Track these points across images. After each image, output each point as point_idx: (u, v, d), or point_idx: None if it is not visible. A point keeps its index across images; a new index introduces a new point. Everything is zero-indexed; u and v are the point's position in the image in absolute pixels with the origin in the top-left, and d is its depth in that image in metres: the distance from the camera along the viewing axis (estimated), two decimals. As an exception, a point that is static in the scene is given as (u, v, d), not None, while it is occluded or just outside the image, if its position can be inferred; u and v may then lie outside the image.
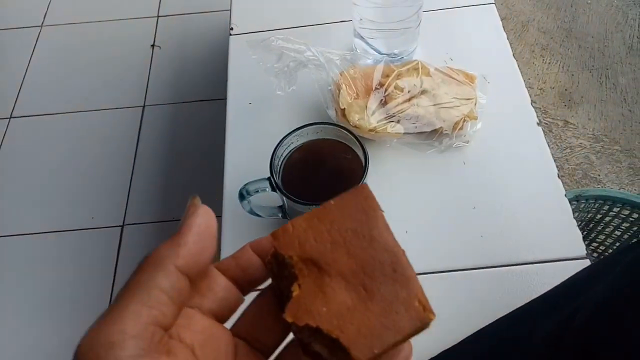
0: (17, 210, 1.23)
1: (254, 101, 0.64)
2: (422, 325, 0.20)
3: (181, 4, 1.61)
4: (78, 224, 1.19)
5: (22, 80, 1.47)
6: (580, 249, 0.50)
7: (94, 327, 0.19)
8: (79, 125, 1.37)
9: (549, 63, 1.47)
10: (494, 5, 0.71)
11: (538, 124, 0.59)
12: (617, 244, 0.89)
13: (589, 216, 0.89)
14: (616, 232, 0.89)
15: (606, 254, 0.91)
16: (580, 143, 1.31)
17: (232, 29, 0.72)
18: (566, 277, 0.48)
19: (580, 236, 0.50)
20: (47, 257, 1.16)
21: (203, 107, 1.38)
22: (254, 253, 0.23)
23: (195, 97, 1.40)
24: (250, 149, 0.61)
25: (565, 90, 1.41)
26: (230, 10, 0.74)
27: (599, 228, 0.90)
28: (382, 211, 0.23)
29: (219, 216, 0.56)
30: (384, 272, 0.21)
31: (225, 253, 0.53)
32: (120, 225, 1.19)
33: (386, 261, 0.21)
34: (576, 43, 1.51)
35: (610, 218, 0.88)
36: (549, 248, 0.50)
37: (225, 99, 0.66)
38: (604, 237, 0.91)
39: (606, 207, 0.87)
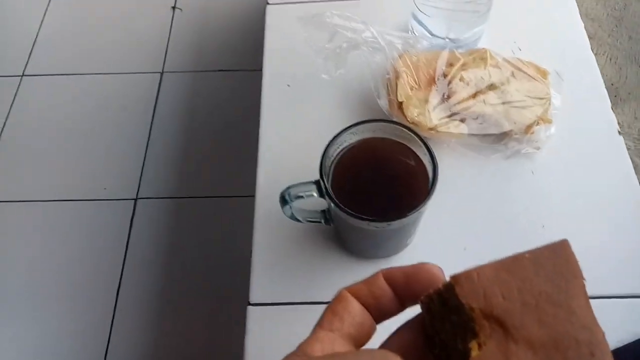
0: (24, 175, 1.18)
1: (293, 83, 0.57)
2: None
3: (206, -37, 1.51)
4: (89, 194, 1.14)
5: (36, 37, 1.39)
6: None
7: None
8: (93, 88, 1.30)
9: (596, 54, 1.36)
10: (569, -11, 0.62)
11: (619, 132, 0.51)
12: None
13: None
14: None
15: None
16: (625, 144, 1.22)
17: (270, -3, 0.64)
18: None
19: (669, 269, 0.44)
20: (55, 227, 1.11)
21: (226, 77, 1.30)
22: (386, 282, 0.22)
23: (218, 67, 1.32)
24: (287, 137, 0.54)
25: (612, 85, 1.32)
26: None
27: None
28: (584, 279, 0.20)
29: (247, 196, 0.49)
30: (579, 354, 0.18)
31: (257, 253, 0.47)
32: (133, 199, 1.14)
33: (584, 341, 0.18)
34: (626, 33, 1.41)
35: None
36: (628, 281, 0.44)
37: (251, 70, 0.59)
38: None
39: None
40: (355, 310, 0.21)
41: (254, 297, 0.45)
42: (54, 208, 1.13)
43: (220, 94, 1.28)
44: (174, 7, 1.43)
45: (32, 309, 1.02)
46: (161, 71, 1.32)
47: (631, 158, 1.29)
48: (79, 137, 1.22)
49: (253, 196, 0.50)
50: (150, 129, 1.23)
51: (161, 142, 1.21)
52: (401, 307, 0.22)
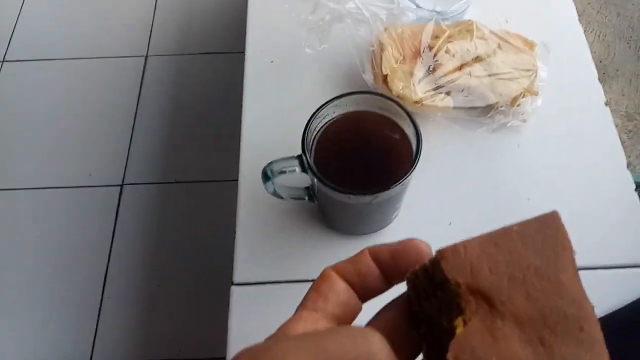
0: (6, 163, 1.16)
1: (276, 59, 0.56)
2: None
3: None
4: (74, 181, 1.12)
5: (16, 22, 1.36)
6: (654, 254, 0.43)
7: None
8: (76, 73, 1.28)
9: (584, 31, 1.35)
10: (556, -41, 0.61)
11: (606, 103, 0.51)
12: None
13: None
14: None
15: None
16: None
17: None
18: (635, 287, 0.42)
19: (654, 239, 0.44)
20: (40, 215, 1.09)
21: (212, 60, 1.28)
22: (372, 260, 0.21)
23: (204, 49, 1.29)
24: (271, 114, 0.52)
25: (600, 62, 1.32)
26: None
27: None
28: (574, 251, 0.19)
29: (233, 180, 0.49)
30: (567, 328, 0.18)
31: (241, 233, 0.46)
32: (119, 185, 1.12)
33: (573, 315, 0.18)
34: (615, 10, 1.40)
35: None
36: (614, 252, 0.44)
37: (238, 52, 0.58)
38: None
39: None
40: (340, 289, 0.20)
41: (237, 277, 0.44)
42: (38, 196, 1.11)
43: (206, 77, 1.26)
44: (157, -11, 1.40)
45: (17, 296, 1.01)
46: (145, 54, 1.30)
47: (618, 135, 1.29)
48: (62, 123, 1.20)
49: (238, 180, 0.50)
50: (136, 114, 1.21)
51: (146, 127, 1.19)
52: (388, 284, 0.21)
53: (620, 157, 0.48)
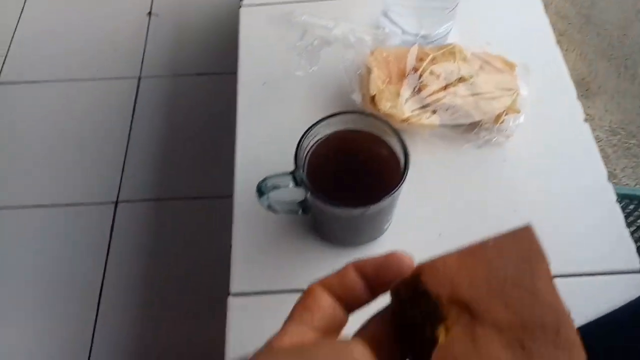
0: (0, 182, 1.16)
1: (269, 81, 0.58)
2: None
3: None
4: (68, 200, 1.13)
5: (10, 43, 1.38)
6: (634, 261, 0.45)
7: None
8: (70, 95, 1.29)
9: (567, 50, 1.40)
10: (534, -16, 0.65)
11: (585, 120, 0.53)
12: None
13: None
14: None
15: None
16: (597, 135, 1.26)
17: (243, -1, 0.65)
18: (619, 293, 0.44)
19: (634, 247, 0.46)
20: (34, 233, 1.09)
21: (204, 81, 1.30)
22: (357, 273, 0.22)
23: (196, 70, 1.32)
24: (264, 133, 0.54)
25: (583, 79, 1.36)
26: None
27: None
28: (549, 263, 0.20)
29: (228, 196, 0.50)
30: (545, 333, 0.18)
31: (237, 248, 0.48)
32: (113, 202, 1.13)
33: (550, 320, 0.19)
34: (595, 30, 1.45)
35: (634, 218, 0.83)
36: (598, 259, 0.46)
37: (230, 73, 0.60)
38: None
39: (632, 207, 0.82)
40: (325, 303, 0.21)
41: (234, 287, 0.46)
42: (32, 214, 1.11)
43: (199, 97, 1.28)
44: (149, 13, 1.43)
45: (10, 312, 1.01)
46: (139, 76, 1.32)
47: (603, 149, 1.32)
48: (56, 143, 1.21)
49: (232, 196, 0.51)
50: (129, 134, 1.22)
51: (140, 146, 1.20)
52: (372, 296, 0.22)
53: (600, 170, 0.51)
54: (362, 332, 0.22)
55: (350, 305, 0.22)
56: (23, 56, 1.36)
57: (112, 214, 1.11)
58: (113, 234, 1.09)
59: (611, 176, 1.21)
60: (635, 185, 1.19)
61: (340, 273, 0.22)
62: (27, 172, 1.17)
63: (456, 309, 0.19)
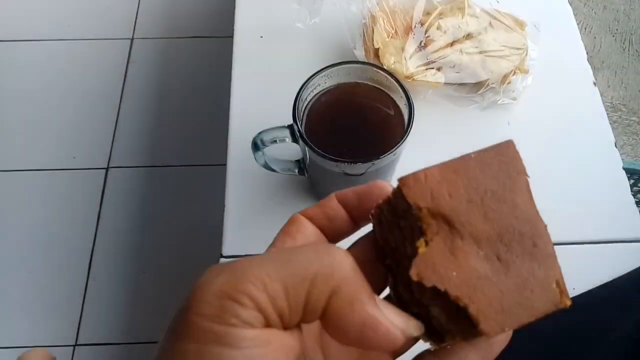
0: (-11, 144, 1.13)
1: (266, 34, 0.55)
2: (555, 309, 0.19)
3: None
4: (58, 164, 1.10)
5: (-4, 0, 1.32)
6: (638, 229, 0.44)
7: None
8: (60, 55, 1.25)
9: (571, 23, 1.37)
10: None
11: (595, 83, 0.51)
12: None
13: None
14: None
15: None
16: (598, 111, 1.24)
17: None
18: (623, 262, 0.43)
19: (639, 215, 0.44)
20: (24, 197, 1.07)
21: (199, 44, 1.26)
22: (339, 203, 0.21)
23: (191, 33, 1.28)
24: (261, 90, 0.52)
25: (586, 54, 1.33)
26: None
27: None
28: (528, 176, 0.20)
29: (221, 164, 0.48)
30: (522, 245, 0.19)
31: (231, 209, 0.46)
32: (104, 168, 1.10)
33: (527, 233, 0.19)
34: (601, 3, 1.42)
35: (634, 192, 0.82)
36: (603, 227, 0.44)
37: (226, 37, 0.57)
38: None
39: (631, 182, 0.81)
40: (308, 231, 0.21)
41: (226, 249, 0.44)
42: (22, 178, 1.09)
43: (193, 61, 1.24)
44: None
45: (1, 279, 0.99)
46: (131, 37, 1.27)
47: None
48: (46, 105, 1.18)
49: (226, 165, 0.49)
50: (121, 97, 1.19)
51: (132, 110, 1.17)
52: (355, 226, 0.22)
53: (608, 136, 0.49)
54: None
55: (334, 235, 0.22)
56: (10, 16, 1.31)
57: (103, 180, 1.09)
58: (104, 200, 1.07)
59: (611, 152, 1.20)
60: (635, 161, 1.18)
61: (323, 203, 0.22)
62: (14, 135, 1.14)
63: (436, 221, 0.19)
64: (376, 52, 0.46)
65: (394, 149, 0.35)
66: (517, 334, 0.19)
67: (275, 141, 0.38)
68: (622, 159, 1.19)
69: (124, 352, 0.94)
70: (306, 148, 0.37)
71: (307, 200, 0.46)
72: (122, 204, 1.07)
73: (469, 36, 0.49)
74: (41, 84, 1.20)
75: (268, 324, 0.16)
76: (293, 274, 0.16)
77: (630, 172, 0.80)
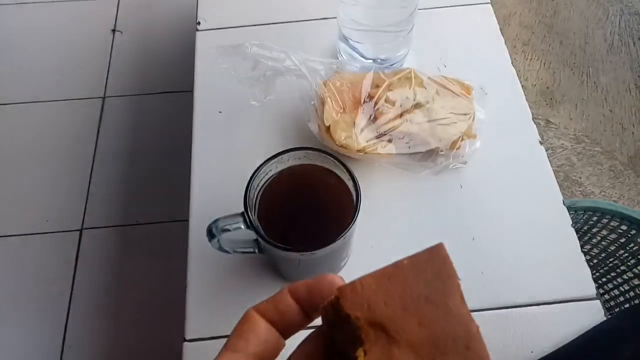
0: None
1: (225, 110, 0.57)
2: None
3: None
4: (30, 229, 1.09)
5: (-33, 66, 1.33)
6: (590, 288, 0.45)
7: None
8: (32, 117, 1.25)
9: (531, 59, 1.43)
10: (489, 5, 0.65)
11: (541, 143, 0.54)
12: (605, 255, 0.86)
13: (577, 227, 0.86)
14: (603, 243, 0.86)
15: (594, 263, 0.88)
16: (562, 144, 1.28)
17: (199, 23, 0.64)
18: (575, 321, 0.44)
19: (589, 273, 0.46)
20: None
21: (169, 99, 1.28)
22: (292, 298, 0.22)
23: (161, 89, 1.30)
24: (220, 166, 0.53)
25: (547, 88, 1.38)
26: (197, 1, 0.66)
27: (586, 238, 0.87)
28: (459, 279, 0.21)
29: (185, 220, 0.49)
30: (456, 349, 0.20)
31: (191, 290, 0.46)
32: (78, 230, 1.10)
33: (460, 336, 0.20)
34: (557, 39, 1.48)
35: (598, 229, 0.85)
36: (556, 287, 0.46)
37: (193, 91, 0.59)
38: (590, 247, 0.88)
39: (595, 219, 0.83)
40: (260, 329, 0.22)
41: (189, 333, 0.44)
42: (-6, 245, 1.08)
43: (164, 116, 1.26)
44: (113, 30, 1.40)
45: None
46: (103, 96, 1.29)
47: (568, 157, 1.34)
48: (18, 168, 1.18)
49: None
50: (94, 156, 1.19)
51: (105, 168, 1.18)
52: (308, 319, 0.22)
53: (556, 195, 0.51)
54: (297, 353, 0.22)
55: (286, 329, 0.22)
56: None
57: (77, 242, 1.08)
58: (78, 263, 1.06)
59: (577, 184, 1.23)
60: (600, 192, 1.21)
61: (275, 297, 0.22)
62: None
63: (374, 330, 0.20)
64: (327, 128, 0.48)
65: (341, 235, 0.37)
66: None
67: (229, 229, 0.39)
68: (588, 192, 1.20)
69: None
70: (259, 238, 0.38)
71: (268, 277, 0.47)
72: (98, 265, 1.06)
73: (417, 105, 0.51)
74: (11, 146, 1.21)
75: None
76: None
77: (593, 210, 0.82)
